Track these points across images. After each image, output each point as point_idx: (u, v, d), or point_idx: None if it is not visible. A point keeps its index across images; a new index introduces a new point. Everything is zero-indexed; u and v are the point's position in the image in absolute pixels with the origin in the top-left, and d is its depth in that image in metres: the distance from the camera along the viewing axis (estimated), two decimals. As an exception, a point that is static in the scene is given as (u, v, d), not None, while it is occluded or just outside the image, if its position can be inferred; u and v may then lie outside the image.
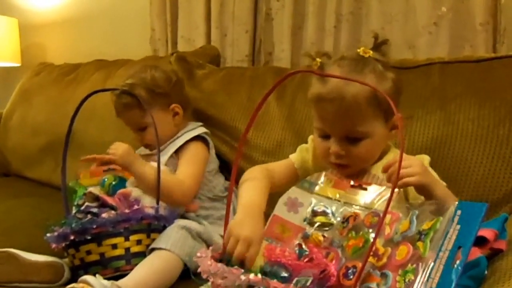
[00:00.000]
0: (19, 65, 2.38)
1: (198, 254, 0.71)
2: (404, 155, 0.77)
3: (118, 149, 1.14)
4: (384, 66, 0.89)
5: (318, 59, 0.90)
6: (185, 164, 1.21)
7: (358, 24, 1.60)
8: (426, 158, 0.96)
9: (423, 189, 0.80)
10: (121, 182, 1.16)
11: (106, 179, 1.14)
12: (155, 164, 1.15)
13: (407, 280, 0.63)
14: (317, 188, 0.87)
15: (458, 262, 0.61)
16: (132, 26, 2.15)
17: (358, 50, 0.89)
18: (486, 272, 0.68)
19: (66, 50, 2.41)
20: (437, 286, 0.60)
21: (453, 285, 0.59)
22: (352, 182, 0.84)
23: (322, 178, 0.88)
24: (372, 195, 0.81)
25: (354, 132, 0.87)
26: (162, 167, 1.12)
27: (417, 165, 0.80)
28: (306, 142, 1.06)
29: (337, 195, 0.85)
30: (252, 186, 0.92)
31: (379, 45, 0.91)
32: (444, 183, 0.92)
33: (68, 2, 2.39)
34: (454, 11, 1.44)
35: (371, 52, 0.89)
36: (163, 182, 1.09)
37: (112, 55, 1.94)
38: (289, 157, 1.06)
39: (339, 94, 0.84)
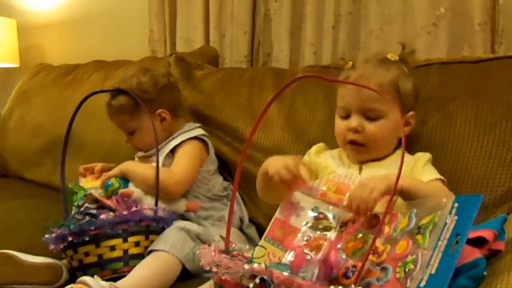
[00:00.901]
0: (17, 66, 2.37)
1: (201, 247, 0.71)
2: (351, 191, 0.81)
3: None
4: (408, 70, 1.00)
5: (350, 62, 1.03)
6: (177, 158, 1.23)
7: (356, 24, 1.59)
8: (426, 155, 0.99)
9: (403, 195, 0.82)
10: (125, 187, 1.16)
11: (110, 183, 1.14)
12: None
13: (407, 269, 0.64)
14: (319, 193, 0.87)
15: (456, 247, 0.61)
16: (130, 27, 2.15)
17: (387, 55, 1.00)
18: (485, 272, 0.68)
19: (65, 51, 2.41)
20: (437, 271, 0.61)
21: (453, 268, 0.60)
22: (353, 187, 0.85)
23: (325, 184, 0.88)
24: None
25: (372, 109, 0.95)
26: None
27: (367, 188, 0.79)
28: (306, 142, 1.07)
29: (339, 200, 0.85)
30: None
31: (406, 54, 1.01)
32: (443, 177, 0.95)
33: (66, 3, 2.39)
34: (452, 12, 1.43)
35: (397, 57, 1.00)
36: (151, 174, 1.11)
37: (111, 56, 1.94)
38: None
39: (366, 75, 0.96)
